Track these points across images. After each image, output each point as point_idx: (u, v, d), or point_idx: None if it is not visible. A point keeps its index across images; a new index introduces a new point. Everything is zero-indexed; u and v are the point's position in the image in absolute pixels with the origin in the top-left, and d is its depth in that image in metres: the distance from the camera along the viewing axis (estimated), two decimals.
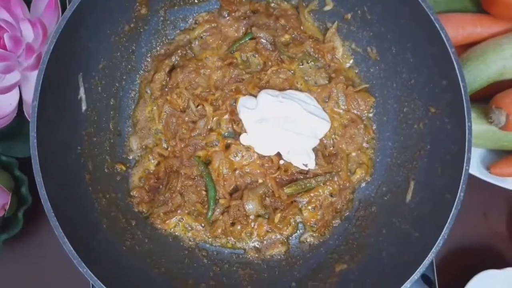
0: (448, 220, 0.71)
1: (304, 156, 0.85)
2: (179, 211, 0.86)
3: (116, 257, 0.76)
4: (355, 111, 0.90)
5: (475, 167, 0.93)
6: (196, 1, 0.92)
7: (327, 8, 0.91)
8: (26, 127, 0.90)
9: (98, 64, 0.82)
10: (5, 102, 0.90)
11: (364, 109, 0.90)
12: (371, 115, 0.91)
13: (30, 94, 0.90)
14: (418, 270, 0.70)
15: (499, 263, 0.92)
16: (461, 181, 0.71)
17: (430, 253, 0.71)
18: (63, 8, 0.92)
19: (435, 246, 0.71)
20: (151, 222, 0.87)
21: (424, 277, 0.89)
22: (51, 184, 0.69)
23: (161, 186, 0.87)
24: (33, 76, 0.89)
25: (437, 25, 0.73)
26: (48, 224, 0.94)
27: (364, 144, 0.90)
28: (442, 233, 0.71)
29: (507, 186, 0.92)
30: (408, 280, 0.70)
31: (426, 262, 0.70)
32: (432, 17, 0.73)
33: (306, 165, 0.86)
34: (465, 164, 0.72)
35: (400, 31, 0.81)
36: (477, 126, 0.89)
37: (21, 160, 0.93)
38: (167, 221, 0.86)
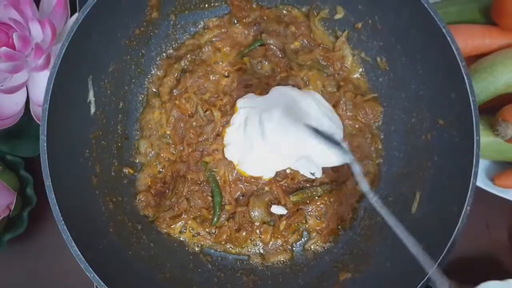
0: (454, 234, 0.71)
1: (311, 165, 0.85)
2: (184, 216, 0.86)
3: (122, 261, 0.76)
4: (363, 120, 0.90)
5: (479, 178, 0.93)
6: (206, 6, 0.92)
7: (338, 16, 0.91)
8: (33, 127, 0.91)
9: (108, 68, 0.82)
10: (12, 102, 0.90)
11: (371, 118, 0.90)
12: (379, 124, 0.91)
13: (37, 94, 0.89)
14: (422, 281, 0.70)
15: (501, 274, 0.92)
16: (468, 194, 0.72)
17: (436, 265, 0.71)
18: (72, 8, 0.92)
19: (440, 259, 0.71)
20: (157, 226, 0.86)
21: None
22: (59, 188, 0.69)
23: (167, 191, 0.87)
24: (41, 76, 0.89)
25: (448, 38, 0.73)
26: (53, 224, 0.94)
27: (371, 154, 0.90)
28: (448, 246, 0.71)
29: (510, 198, 0.92)
30: None
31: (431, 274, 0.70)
32: (443, 30, 0.73)
33: (313, 174, 0.86)
34: (472, 178, 0.72)
35: (410, 42, 0.81)
36: (483, 138, 0.88)
37: (27, 160, 0.93)
38: (173, 226, 0.86)
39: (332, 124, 0.85)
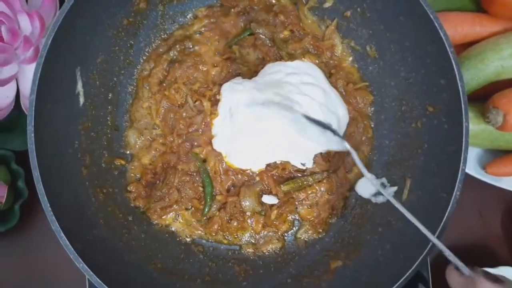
0: (444, 219, 0.71)
1: (302, 155, 0.85)
2: (175, 207, 0.86)
3: (112, 252, 0.76)
4: (356, 109, 0.90)
5: (471, 166, 0.94)
6: None
7: (327, 5, 0.90)
8: (23, 120, 0.90)
9: (96, 58, 0.82)
10: (2, 95, 0.89)
11: (362, 107, 0.90)
12: (370, 113, 0.91)
13: (27, 87, 0.89)
14: (412, 268, 0.71)
15: (494, 262, 0.92)
16: (458, 180, 0.72)
17: (425, 251, 0.71)
18: (61, 1, 0.92)
19: (429, 245, 0.71)
20: (148, 217, 0.86)
21: (419, 275, 0.90)
22: (48, 179, 0.69)
23: (158, 182, 0.87)
24: (31, 69, 0.88)
25: (436, 24, 0.73)
26: (44, 217, 0.94)
27: (364, 142, 0.90)
28: (437, 231, 0.71)
29: (502, 186, 0.93)
30: (403, 278, 0.70)
31: (421, 260, 0.71)
32: (431, 16, 0.73)
33: (304, 164, 0.86)
34: (461, 164, 0.72)
35: (399, 29, 0.81)
36: (474, 126, 0.89)
37: (18, 153, 0.93)
38: (164, 216, 0.86)
39: (328, 111, 0.84)
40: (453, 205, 0.72)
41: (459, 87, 0.73)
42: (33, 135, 0.68)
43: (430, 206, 0.76)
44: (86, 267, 0.67)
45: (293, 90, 0.83)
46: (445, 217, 0.71)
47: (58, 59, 0.72)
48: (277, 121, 0.81)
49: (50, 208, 0.67)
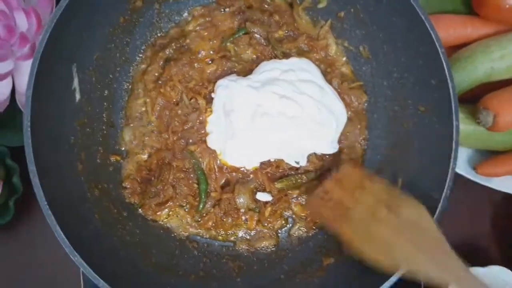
0: (434, 218, 0.72)
1: (296, 154, 0.86)
2: (170, 203, 0.86)
3: (107, 247, 0.77)
4: (352, 109, 0.91)
5: (462, 166, 0.95)
6: None
7: (321, 5, 0.91)
8: (18, 117, 0.91)
9: (92, 55, 0.83)
10: None
11: (356, 106, 0.91)
12: (364, 113, 0.92)
13: (23, 84, 0.90)
14: None
15: (484, 261, 0.93)
16: (448, 179, 0.73)
17: None
18: None
19: None
20: (143, 213, 0.87)
21: None
22: (44, 173, 0.69)
23: (153, 178, 0.88)
24: (26, 66, 0.89)
25: (427, 25, 0.75)
26: (39, 213, 0.94)
27: (359, 141, 0.91)
28: None
29: (492, 186, 0.94)
30: (394, 275, 0.71)
31: None
32: (423, 17, 0.75)
33: (298, 163, 0.87)
34: (451, 163, 0.73)
35: (391, 30, 0.82)
36: (465, 127, 0.90)
37: (13, 149, 0.93)
38: (159, 213, 0.87)
39: (325, 109, 0.85)
40: (444, 204, 0.73)
41: (450, 87, 0.74)
42: (29, 129, 0.68)
43: (422, 203, 0.77)
44: (81, 260, 0.67)
45: (289, 88, 0.84)
46: (435, 216, 0.72)
47: (54, 56, 0.72)
48: (272, 120, 0.82)
49: (46, 203, 0.67)
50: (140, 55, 0.93)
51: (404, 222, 0.70)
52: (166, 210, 0.87)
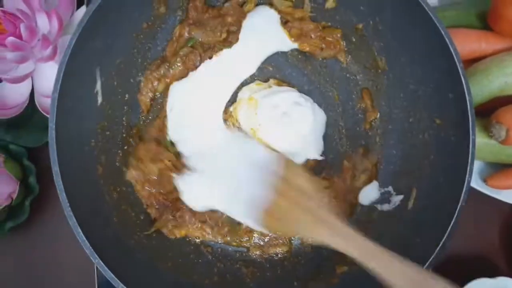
0: (448, 230, 0.73)
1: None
2: (189, 225, 0.86)
3: (125, 249, 0.78)
4: None
5: (472, 178, 0.96)
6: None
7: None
8: (36, 118, 0.92)
9: (115, 60, 0.83)
10: (17, 92, 0.91)
11: None
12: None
13: (42, 85, 0.91)
14: None
15: (492, 272, 0.94)
16: (463, 192, 0.74)
17: (428, 262, 0.73)
18: (79, 1, 0.93)
19: (434, 254, 0.73)
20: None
21: None
22: (65, 175, 0.70)
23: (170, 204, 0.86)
24: (47, 68, 0.90)
25: (447, 39, 0.75)
26: (54, 214, 0.96)
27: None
28: (442, 241, 0.73)
29: (501, 198, 0.95)
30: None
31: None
32: (442, 32, 0.75)
33: None
34: (467, 176, 0.75)
35: (410, 43, 0.83)
36: (478, 139, 0.90)
37: (30, 150, 0.94)
38: (175, 231, 0.86)
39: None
40: (458, 216, 0.74)
41: (467, 101, 0.75)
42: (54, 132, 0.69)
43: (435, 216, 0.78)
44: (102, 263, 0.68)
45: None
46: (449, 228, 0.73)
47: (80, 60, 0.73)
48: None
49: (68, 204, 0.68)
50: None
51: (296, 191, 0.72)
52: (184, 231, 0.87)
